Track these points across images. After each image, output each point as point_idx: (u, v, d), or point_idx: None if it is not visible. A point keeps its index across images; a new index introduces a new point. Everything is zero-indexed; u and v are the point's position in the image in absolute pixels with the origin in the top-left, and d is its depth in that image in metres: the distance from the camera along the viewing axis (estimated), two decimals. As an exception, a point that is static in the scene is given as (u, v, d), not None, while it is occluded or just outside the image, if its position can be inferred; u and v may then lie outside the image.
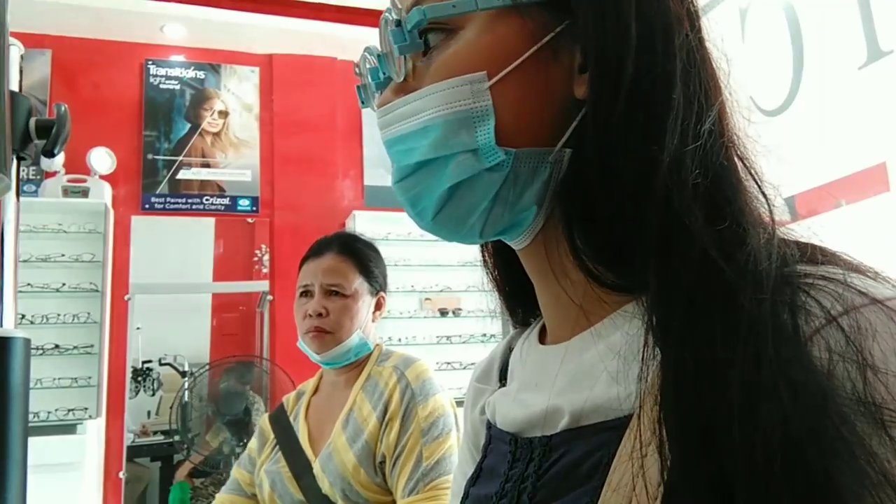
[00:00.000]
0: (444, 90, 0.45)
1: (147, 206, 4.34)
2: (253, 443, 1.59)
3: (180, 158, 4.47)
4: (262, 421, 1.63)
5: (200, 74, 4.62)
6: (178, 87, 4.55)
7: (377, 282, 1.55)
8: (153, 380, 4.68)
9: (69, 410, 3.77)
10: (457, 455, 1.34)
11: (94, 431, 3.84)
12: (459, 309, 4.65)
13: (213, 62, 4.66)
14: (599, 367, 0.45)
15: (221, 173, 4.54)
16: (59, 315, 3.86)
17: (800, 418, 0.32)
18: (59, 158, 3.99)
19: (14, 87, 0.70)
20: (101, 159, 4.12)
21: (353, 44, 4.26)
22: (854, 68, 1.77)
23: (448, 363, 4.34)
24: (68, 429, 3.74)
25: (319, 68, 4.72)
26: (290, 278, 1.56)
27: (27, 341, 0.64)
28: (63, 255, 3.95)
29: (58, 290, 3.90)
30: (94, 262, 3.99)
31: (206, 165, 4.53)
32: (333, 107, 4.73)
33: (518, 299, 0.61)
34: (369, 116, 4.80)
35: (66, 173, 4.03)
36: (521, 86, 0.45)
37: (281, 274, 4.42)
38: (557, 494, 0.45)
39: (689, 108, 0.43)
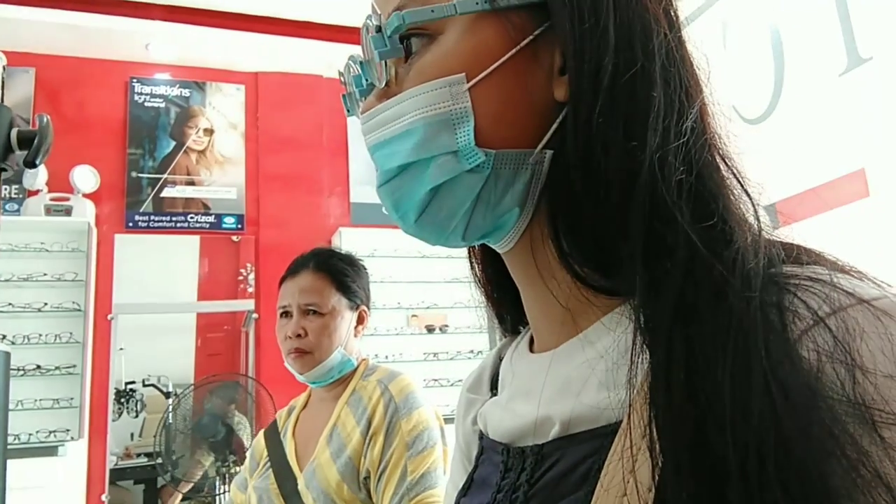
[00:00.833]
0: (423, 93, 0.46)
1: (131, 224, 4.31)
2: (247, 462, 1.58)
3: (165, 176, 4.45)
4: (256, 438, 1.62)
5: (185, 92, 4.61)
6: (162, 104, 4.54)
7: (356, 296, 1.54)
8: (136, 401, 4.62)
9: (51, 432, 3.70)
10: (441, 468, 1.34)
11: (76, 454, 3.79)
12: (446, 325, 4.64)
13: (198, 80, 4.65)
14: (588, 373, 0.44)
15: (206, 191, 4.52)
16: (40, 335, 3.82)
17: (792, 418, 0.32)
18: (42, 176, 3.96)
19: (-5, 97, 0.69)
20: (85, 177, 4.09)
21: (339, 61, 4.27)
22: (835, 75, 1.79)
23: (435, 380, 4.32)
24: (50, 451, 3.68)
25: (305, 86, 4.73)
26: (276, 297, 1.56)
27: (7, 355, 0.63)
28: (45, 275, 3.91)
29: (39, 310, 3.86)
30: (77, 281, 3.95)
31: (191, 183, 4.50)
32: (319, 124, 4.74)
33: (506, 306, 0.61)
34: (355, 134, 4.81)
35: (49, 191, 4.00)
36: (501, 88, 0.45)
37: (267, 292, 4.39)
38: (549, 503, 0.44)
39: (669, 106, 0.43)
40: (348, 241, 4.42)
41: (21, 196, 4.06)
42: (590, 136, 0.43)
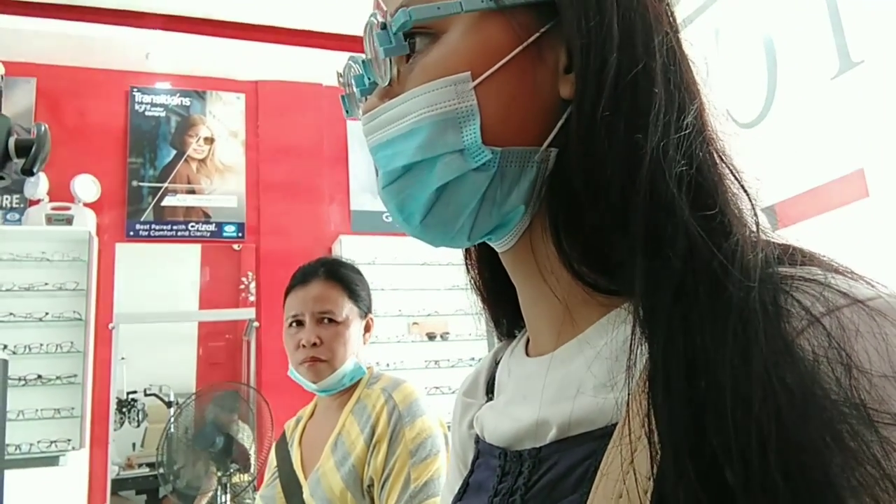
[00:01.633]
0: (428, 92, 0.45)
1: (132, 233, 4.32)
2: (266, 474, 1.58)
3: (165, 185, 4.45)
4: (272, 450, 1.61)
5: (186, 101, 4.62)
6: (163, 113, 4.55)
7: (365, 304, 1.55)
8: (138, 411, 4.62)
9: (52, 442, 3.70)
10: (445, 476, 1.33)
11: (77, 464, 3.78)
12: (447, 333, 4.64)
13: (198, 89, 4.67)
14: (586, 375, 0.44)
15: (207, 200, 4.53)
16: (41, 345, 3.81)
17: (791, 406, 0.32)
18: (43, 186, 3.97)
19: (-7, 106, 0.69)
20: (86, 187, 4.10)
21: (338, 70, 4.28)
22: (827, 79, 1.80)
23: (436, 387, 4.31)
24: (51, 461, 3.67)
25: (305, 94, 4.74)
26: (277, 305, 1.55)
27: (4, 363, 0.63)
28: (46, 284, 3.91)
29: (41, 320, 3.85)
30: (78, 290, 3.95)
31: (192, 192, 4.51)
32: (320, 132, 4.75)
33: (502, 309, 0.60)
34: (355, 141, 4.81)
35: (50, 201, 4.01)
36: (507, 86, 0.46)
37: (268, 301, 4.39)
38: None
39: (670, 103, 0.43)
40: (349, 248, 4.42)
41: (22, 206, 4.07)
42: (594, 131, 0.43)
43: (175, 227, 4.42)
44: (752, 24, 2.08)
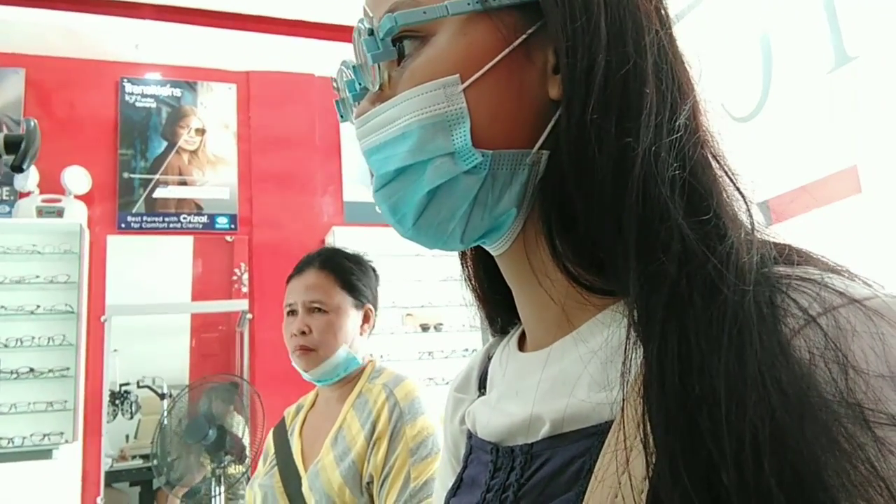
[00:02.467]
0: (418, 95, 0.45)
1: (123, 225, 4.29)
2: (260, 463, 1.58)
3: (157, 177, 4.43)
4: (268, 437, 1.62)
5: (177, 92, 4.59)
6: (153, 104, 4.52)
7: (362, 295, 1.54)
8: (131, 403, 4.60)
9: (45, 435, 3.70)
10: None
11: (70, 456, 3.77)
12: (441, 324, 4.64)
13: (189, 79, 4.63)
14: (581, 372, 0.44)
15: (199, 191, 4.51)
16: (33, 338, 3.80)
17: (786, 409, 0.32)
18: (33, 178, 3.94)
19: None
20: (76, 179, 4.07)
21: (330, 60, 4.26)
22: (822, 73, 1.80)
23: (430, 379, 4.32)
24: (44, 454, 3.67)
25: (297, 85, 4.72)
26: (270, 296, 1.56)
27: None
28: (38, 277, 3.90)
29: (32, 313, 3.84)
30: (70, 283, 3.94)
31: (184, 183, 4.49)
32: (312, 123, 4.73)
33: (497, 307, 0.60)
34: (348, 132, 4.80)
35: (41, 193, 3.98)
36: (496, 88, 0.45)
37: (261, 292, 4.38)
38: (539, 503, 0.44)
39: (662, 103, 0.43)
40: (342, 240, 4.41)
41: (12, 198, 4.04)
42: (583, 133, 0.43)
43: (167, 219, 4.40)
44: (748, 17, 2.07)
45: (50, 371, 3.82)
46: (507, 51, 0.45)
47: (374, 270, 1.62)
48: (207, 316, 4.99)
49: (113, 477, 4.23)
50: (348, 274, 1.53)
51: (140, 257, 4.46)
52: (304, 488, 1.38)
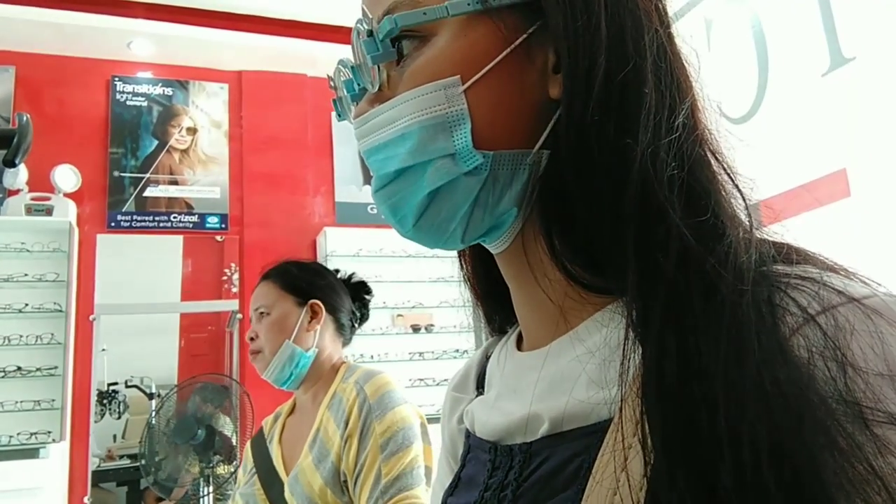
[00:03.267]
0: (418, 96, 0.45)
1: (113, 224, 4.27)
2: (240, 473, 1.59)
3: (147, 175, 4.40)
4: (246, 447, 1.62)
5: (168, 91, 4.57)
6: (145, 103, 4.49)
7: (304, 292, 1.54)
8: (119, 402, 4.57)
9: (32, 434, 3.66)
10: (421, 467, 1.33)
11: (57, 456, 3.74)
12: (432, 325, 4.64)
13: (181, 78, 4.61)
14: (579, 370, 0.44)
15: (190, 190, 4.49)
16: (21, 336, 3.77)
17: (784, 410, 0.32)
18: (23, 176, 3.91)
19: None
20: (66, 177, 4.04)
21: (323, 60, 4.25)
22: (817, 75, 1.80)
23: (421, 379, 4.31)
24: (31, 453, 3.64)
25: (289, 85, 4.71)
26: (261, 297, 1.58)
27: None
28: (26, 275, 3.86)
29: (20, 311, 3.81)
30: (59, 281, 3.91)
31: (174, 183, 4.47)
32: (304, 123, 4.72)
33: (496, 306, 0.60)
34: (340, 133, 4.79)
35: (30, 191, 3.95)
36: (496, 89, 0.45)
37: (251, 292, 4.34)
38: (538, 502, 0.44)
39: (661, 102, 0.43)
40: (333, 240, 4.40)
41: (1, 196, 4.01)
42: (583, 133, 0.43)
43: (157, 218, 4.37)
44: (744, 17, 2.08)
45: (38, 370, 3.79)
46: (507, 51, 0.45)
47: (329, 271, 1.63)
48: (197, 316, 4.96)
49: (100, 477, 4.20)
50: (289, 276, 1.56)
51: (129, 256, 4.43)
52: (286, 493, 1.38)
